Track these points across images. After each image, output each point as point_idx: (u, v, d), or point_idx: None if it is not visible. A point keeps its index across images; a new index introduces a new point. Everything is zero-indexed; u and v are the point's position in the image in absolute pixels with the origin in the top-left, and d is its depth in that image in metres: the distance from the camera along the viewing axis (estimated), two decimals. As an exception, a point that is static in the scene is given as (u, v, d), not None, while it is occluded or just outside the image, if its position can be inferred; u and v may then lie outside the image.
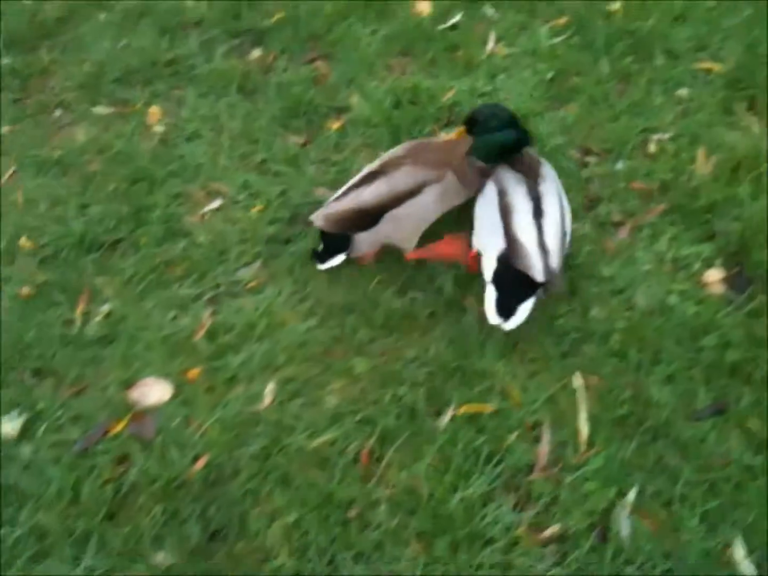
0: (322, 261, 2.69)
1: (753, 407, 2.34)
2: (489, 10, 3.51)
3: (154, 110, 3.34)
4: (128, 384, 2.55)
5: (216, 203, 3.01)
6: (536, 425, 2.36)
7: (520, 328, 2.51)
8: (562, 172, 2.82)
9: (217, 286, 2.78)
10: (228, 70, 3.40)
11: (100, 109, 3.40)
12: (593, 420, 2.35)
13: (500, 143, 2.53)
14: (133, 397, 2.53)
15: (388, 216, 2.56)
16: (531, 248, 2.36)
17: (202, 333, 2.65)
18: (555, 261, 2.37)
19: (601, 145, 2.98)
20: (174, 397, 2.51)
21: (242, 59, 3.48)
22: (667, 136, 2.97)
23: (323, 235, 2.67)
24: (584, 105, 3.08)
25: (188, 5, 3.71)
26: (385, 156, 2.65)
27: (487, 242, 2.46)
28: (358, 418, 2.40)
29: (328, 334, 2.61)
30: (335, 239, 2.65)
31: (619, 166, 2.88)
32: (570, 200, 2.60)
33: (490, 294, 2.39)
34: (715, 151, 2.90)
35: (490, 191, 2.53)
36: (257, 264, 2.82)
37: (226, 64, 3.44)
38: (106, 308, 2.75)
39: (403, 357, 2.53)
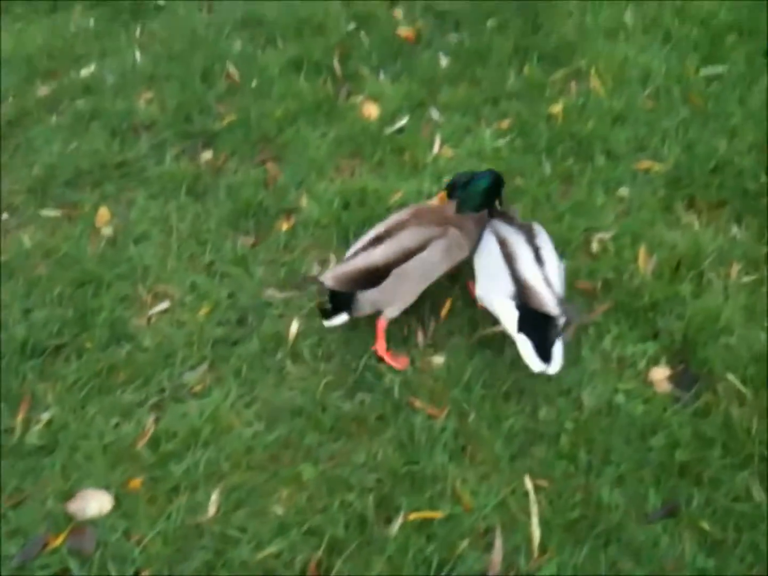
0: (328, 318, 2.72)
1: (704, 508, 2.32)
2: (435, 114, 3.62)
3: (103, 212, 3.33)
4: (68, 495, 2.45)
5: (163, 305, 2.97)
6: (488, 531, 2.32)
7: (469, 428, 2.51)
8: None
9: (162, 390, 2.72)
10: (178, 172, 3.43)
11: (48, 212, 3.38)
12: (545, 524, 2.31)
13: (481, 187, 2.73)
14: (73, 510, 2.43)
15: (396, 272, 2.63)
16: (540, 287, 2.48)
17: (144, 440, 2.58)
18: (560, 292, 2.52)
19: (545, 245, 3.04)
20: (114, 509, 2.42)
21: (193, 161, 3.51)
22: (609, 235, 3.04)
23: (331, 293, 2.71)
24: (528, 205, 3.15)
25: (140, 108, 3.76)
26: (389, 220, 2.75)
27: (495, 288, 2.57)
28: (305, 528, 2.33)
29: (275, 439, 2.55)
30: (341, 298, 2.69)
31: (563, 265, 2.93)
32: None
33: (524, 343, 2.46)
34: (656, 250, 2.97)
35: (490, 242, 2.68)
36: (203, 367, 2.77)
37: (177, 167, 3.47)
38: (46, 416, 2.66)
39: (352, 462, 2.48)
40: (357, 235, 3.10)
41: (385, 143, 3.49)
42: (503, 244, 2.63)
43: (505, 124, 3.53)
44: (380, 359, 2.72)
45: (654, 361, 2.66)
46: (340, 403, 2.62)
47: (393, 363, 2.72)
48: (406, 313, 2.84)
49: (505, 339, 2.73)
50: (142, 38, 4.15)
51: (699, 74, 3.67)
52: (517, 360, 2.63)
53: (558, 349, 2.46)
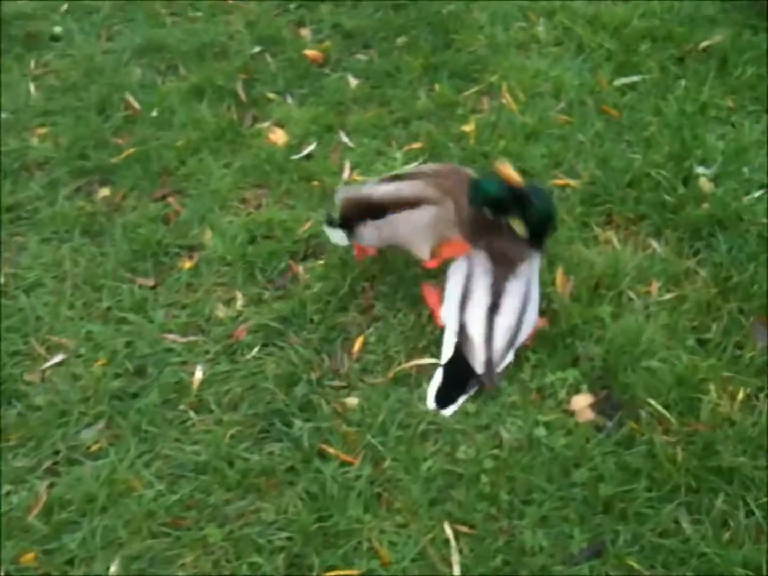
0: (331, 227, 2.82)
1: (631, 545, 2.21)
2: (344, 138, 3.47)
3: (-8, 260, 3.11)
4: (-49, 578, 2.24)
5: (57, 358, 2.76)
6: (407, 586, 2.17)
7: (385, 474, 2.36)
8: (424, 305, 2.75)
9: (56, 453, 2.52)
10: (72, 212, 3.21)
11: (-68, 263, 3.14)
12: (467, 574, 2.17)
13: (486, 191, 2.49)
14: (-43, 594, 2.22)
15: (389, 217, 2.61)
16: (477, 341, 2.45)
17: (37, 510, 2.37)
18: (498, 358, 2.46)
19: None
20: (4, 589, 2.22)
21: (88, 200, 3.30)
22: (525, 258, 2.93)
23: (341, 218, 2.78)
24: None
25: (33, 145, 3.54)
26: (422, 166, 2.82)
27: (447, 320, 2.55)
28: (210, 598, 2.15)
29: (178, 499, 2.37)
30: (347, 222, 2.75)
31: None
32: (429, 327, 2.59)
33: (437, 379, 2.50)
34: (574, 271, 2.87)
35: (459, 270, 2.58)
36: (100, 424, 2.57)
37: (71, 206, 3.25)
38: (-73, 489, 2.44)
39: (261, 520, 2.31)
40: (263, 271, 2.96)
41: (292, 171, 3.33)
42: (468, 277, 2.54)
43: (417, 145, 3.40)
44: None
45: (575, 390, 2.55)
46: (248, 456, 2.45)
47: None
48: (317, 351, 2.70)
49: (425, 373, 2.60)
50: (37, 71, 3.92)
51: (613, 85, 3.59)
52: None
53: (460, 400, 2.46)
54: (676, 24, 3.84)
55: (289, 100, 3.69)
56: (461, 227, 2.58)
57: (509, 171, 2.49)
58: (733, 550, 2.17)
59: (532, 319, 2.55)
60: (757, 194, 3.09)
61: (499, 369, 2.48)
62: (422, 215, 2.58)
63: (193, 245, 3.09)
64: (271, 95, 3.72)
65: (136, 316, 2.85)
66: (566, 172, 3.26)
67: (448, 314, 2.55)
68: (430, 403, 2.48)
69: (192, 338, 2.78)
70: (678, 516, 2.25)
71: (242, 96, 3.70)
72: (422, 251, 2.66)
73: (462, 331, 2.48)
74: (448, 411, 2.47)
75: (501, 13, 4.01)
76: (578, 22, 3.88)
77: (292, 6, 4.20)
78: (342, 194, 2.82)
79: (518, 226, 2.50)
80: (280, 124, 3.57)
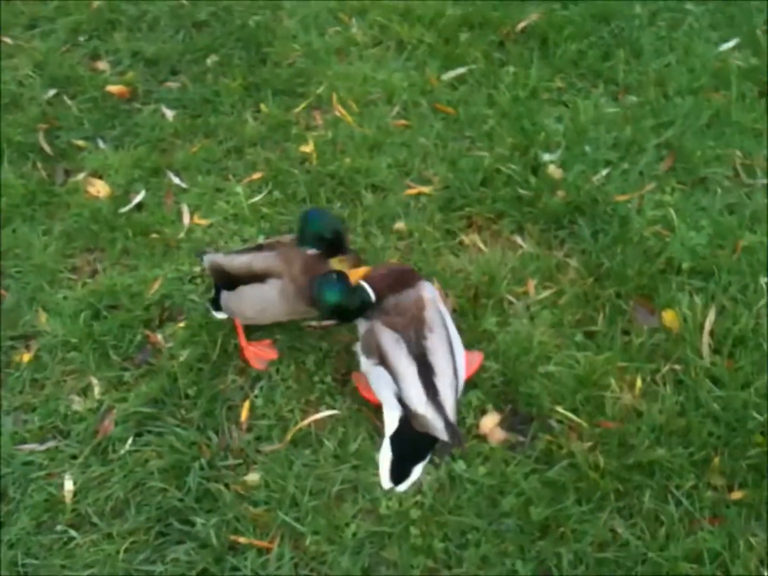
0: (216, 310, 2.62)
1: (575, 565, 2.14)
2: (174, 179, 3.16)
3: None
4: None
5: None
6: None
7: (309, 551, 2.16)
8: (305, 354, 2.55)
9: None
10: None
11: None
12: (419, 643, 2.02)
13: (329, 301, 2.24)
14: None
15: (239, 289, 2.42)
16: (428, 413, 2.19)
17: None
18: (453, 416, 2.22)
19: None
20: None
21: None
22: (398, 279, 2.78)
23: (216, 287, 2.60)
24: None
25: None
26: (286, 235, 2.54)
27: (384, 400, 2.30)
28: None
29: (78, 640, 2.05)
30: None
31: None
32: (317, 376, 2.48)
33: (386, 455, 2.26)
34: (449, 284, 2.76)
35: (372, 353, 2.29)
36: (-38, 573, 2.18)
37: None
38: None
39: (181, 641, 2.04)
40: (117, 348, 2.63)
41: (124, 226, 2.98)
42: (383, 357, 2.25)
43: (257, 175, 3.14)
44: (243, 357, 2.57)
45: (481, 411, 2.45)
46: (150, 568, 2.15)
47: (254, 358, 2.55)
48: (201, 430, 2.42)
49: (325, 427, 2.40)
50: None
51: (442, 80, 3.50)
52: (341, 449, 2.32)
53: (419, 468, 2.25)
54: (490, 8, 3.80)
55: (102, 144, 3.31)
56: (302, 300, 2.34)
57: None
58: (672, 545, 2.16)
59: (462, 359, 2.33)
60: (604, 172, 3.11)
61: (456, 425, 2.22)
62: (268, 289, 2.35)
63: (28, 333, 2.70)
64: (80, 143, 3.32)
65: (-22, 432, 2.44)
66: (417, 180, 3.14)
67: (383, 397, 2.30)
68: (386, 483, 2.24)
69: (52, 444, 2.42)
70: (613, 524, 2.21)
71: (47, 149, 3.28)
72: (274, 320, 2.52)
73: (408, 409, 2.21)
74: (404, 486, 2.24)
75: (311, 18, 3.81)
76: (393, 19, 3.75)
77: (81, 39, 3.77)
78: (208, 259, 2.54)
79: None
80: (97, 175, 3.20)
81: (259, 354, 2.57)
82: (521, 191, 3.04)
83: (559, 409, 2.41)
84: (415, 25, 3.73)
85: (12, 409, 2.51)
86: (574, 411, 2.42)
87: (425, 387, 2.20)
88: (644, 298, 2.71)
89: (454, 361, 2.28)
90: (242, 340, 2.58)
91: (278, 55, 3.64)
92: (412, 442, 2.24)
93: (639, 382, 2.48)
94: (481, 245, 2.92)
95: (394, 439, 2.26)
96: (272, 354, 2.58)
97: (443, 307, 2.40)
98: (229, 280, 2.45)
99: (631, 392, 2.47)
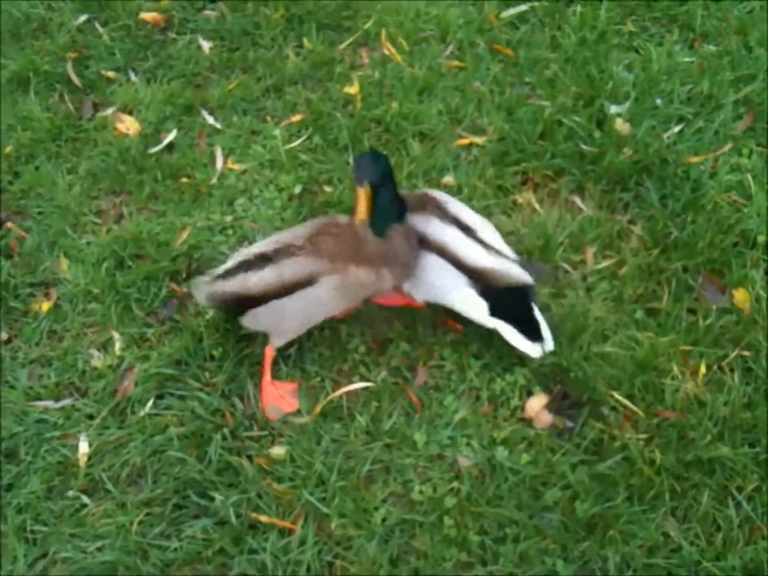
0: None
1: (622, 570, 1.96)
2: (209, 118, 2.94)
3: None
4: None
5: None
6: None
7: (334, 535, 2.01)
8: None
9: None
10: None
11: None
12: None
13: (387, 201, 2.08)
14: None
15: (273, 304, 2.15)
16: (496, 265, 2.15)
17: None
18: (514, 255, 2.21)
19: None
20: None
21: None
22: (444, 241, 2.56)
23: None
24: (344, 222, 2.60)
25: None
26: (284, 235, 2.21)
27: (445, 286, 2.21)
28: None
29: (88, 614, 1.94)
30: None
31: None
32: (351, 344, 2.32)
33: (508, 330, 2.18)
34: (500, 247, 2.53)
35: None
36: (-29, 533, 2.08)
37: None
38: None
39: (195, 622, 1.93)
40: (140, 302, 2.46)
41: (153, 168, 2.79)
42: (424, 240, 2.17)
43: (297, 117, 2.91)
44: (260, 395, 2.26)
45: (527, 391, 2.25)
46: (164, 544, 2.03)
47: (272, 404, 2.23)
48: (226, 396, 2.27)
49: (357, 400, 2.23)
50: None
51: (501, 18, 3.20)
52: (374, 426, 2.15)
53: (543, 323, 2.19)
54: (557, -62, 3.45)
55: (134, 77, 3.10)
56: (401, 267, 2.16)
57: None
58: (729, 554, 1.96)
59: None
60: (676, 129, 2.82)
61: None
62: (321, 292, 2.13)
63: (48, 281, 2.55)
64: (110, 74, 3.11)
65: (-8, 384, 2.32)
66: (469, 129, 2.88)
67: (448, 288, 2.20)
68: (534, 351, 2.17)
69: (68, 402, 2.29)
70: (665, 526, 2.02)
71: (75, 80, 3.08)
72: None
73: (476, 274, 2.15)
74: (549, 344, 2.18)
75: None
76: (451, -52, 3.43)
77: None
78: (204, 296, 2.24)
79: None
80: (127, 110, 2.99)
81: (279, 401, 2.24)
82: (584, 147, 2.76)
83: (615, 394, 2.20)
84: (475, -45, 3.41)
85: (28, 362, 2.38)
86: (630, 398, 2.21)
87: (475, 242, 2.17)
88: (714, 274, 2.46)
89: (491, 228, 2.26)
90: (267, 373, 2.27)
91: (323, -15, 3.36)
92: (511, 304, 2.17)
93: (703, 369, 2.26)
94: (537, 205, 2.68)
95: (496, 312, 2.17)
96: (292, 406, 2.24)
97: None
98: (248, 305, 2.19)
99: (694, 379, 2.25)
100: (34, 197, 2.75)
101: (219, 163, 2.81)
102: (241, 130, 2.90)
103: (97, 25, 3.27)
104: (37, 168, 2.82)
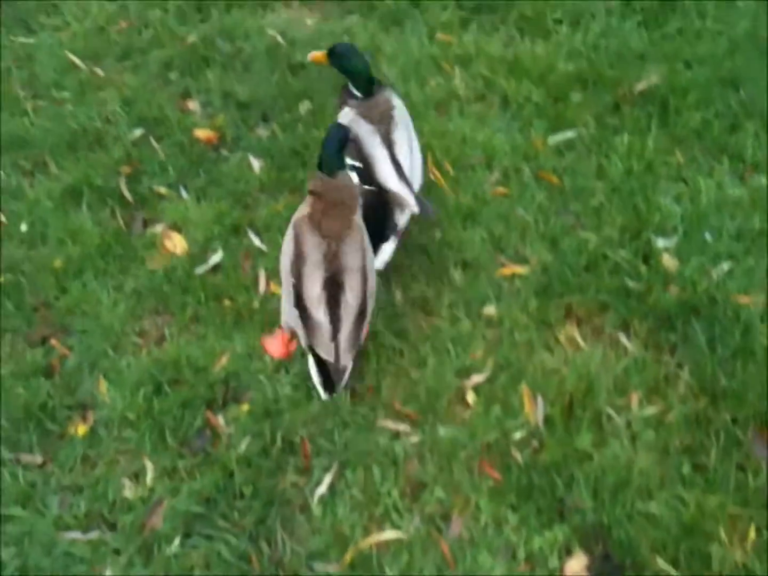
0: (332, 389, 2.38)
1: None
2: (255, 239, 2.97)
3: None
4: None
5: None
6: None
7: None
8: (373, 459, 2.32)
9: None
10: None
11: None
12: None
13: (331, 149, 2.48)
14: None
15: (370, 293, 2.40)
16: (400, 190, 2.62)
17: None
18: (419, 183, 2.74)
19: (411, 407, 2.47)
20: None
21: (-51, 352, 2.72)
22: (483, 377, 2.51)
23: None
24: (383, 356, 2.58)
25: None
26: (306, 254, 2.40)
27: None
28: None
29: None
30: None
31: (441, 433, 2.38)
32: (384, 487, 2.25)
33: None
34: (540, 387, 2.47)
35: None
36: None
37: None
38: None
39: None
40: (175, 431, 2.44)
41: (197, 289, 2.81)
42: (359, 144, 2.67)
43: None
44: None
45: (567, 550, 2.16)
46: None
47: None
48: (253, 539, 2.22)
49: (388, 551, 2.16)
50: None
51: (548, 144, 3.21)
52: None
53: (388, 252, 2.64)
54: (606, 65, 3.48)
55: (184, 194, 3.16)
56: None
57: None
58: None
59: (419, 159, 2.81)
60: (725, 266, 2.76)
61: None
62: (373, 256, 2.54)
63: (86, 403, 2.55)
64: (162, 190, 3.17)
65: (24, 511, 2.30)
66: (513, 257, 2.87)
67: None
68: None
69: (96, 534, 2.26)
70: None
71: (127, 195, 3.15)
72: None
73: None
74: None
75: (412, 65, 3.57)
76: (498, 72, 3.47)
77: (173, 75, 3.64)
78: (347, 357, 2.33)
79: None
80: (176, 227, 3.04)
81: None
82: (629, 282, 2.72)
83: (659, 560, 2.10)
84: (522, 80, 3.44)
85: (60, 489, 2.36)
86: (674, 563, 2.10)
87: (395, 167, 2.63)
88: (765, 428, 2.36)
89: (413, 152, 2.76)
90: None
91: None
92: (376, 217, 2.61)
93: (753, 534, 2.14)
94: (580, 341, 2.63)
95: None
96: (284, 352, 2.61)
97: (407, 114, 2.85)
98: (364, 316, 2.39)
99: (741, 546, 2.13)
100: (79, 314, 2.78)
101: (262, 286, 2.82)
102: (284, 251, 2.92)
103: (152, 139, 3.36)
104: (84, 284, 2.86)
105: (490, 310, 2.71)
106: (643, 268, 2.76)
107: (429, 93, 3.46)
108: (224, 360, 2.61)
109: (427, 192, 3.06)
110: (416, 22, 3.78)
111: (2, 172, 3.25)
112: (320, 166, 2.46)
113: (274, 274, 2.86)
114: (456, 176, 3.11)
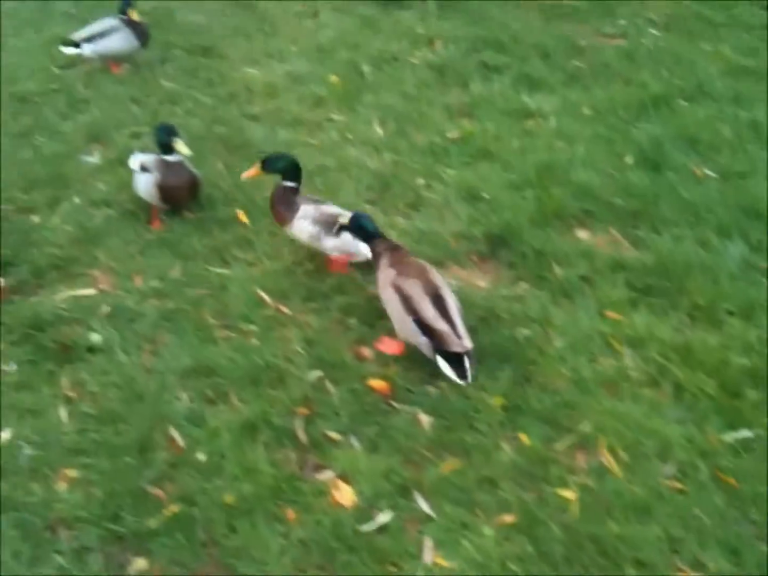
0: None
1: None
2: (423, 503, 2.98)
3: None
4: None
5: None
6: None
7: None
8: None
9: None
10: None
11: None
12: None
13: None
14: None
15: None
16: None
17: None
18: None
19: None
20: None
21: (121, 571, 2.77)
22: None
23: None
24: None
25: (60, 494, 3.03)
26: (418, 288, 3.46)
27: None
28: None
29: None
30: None
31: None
32: None
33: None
34: None
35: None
36: None
37: (99, 584, 2.72)
38: None
39: None
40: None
41: (362, 549, 2.81)
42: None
43: (509, 518, 2.91)
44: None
45: None
46: None
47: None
48: None
49: None
50: (70, 392, 3.49)
51: (722, 441, 3.17)
52: None
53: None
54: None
55: (355, 443, 3.24)
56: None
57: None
58: None
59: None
60: None
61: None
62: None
63: None
64: (334, 435, 3.28)
65: None
66: (690, 562, 2.76)
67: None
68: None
69: None
70: None
71: (302, 437, 3.27)
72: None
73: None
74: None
75: (582, 341, 3.67)
76: (671, 358, 3.52)
77: (352, 321, 3.86)
78: (468, 342, 3.36)
79: None
80: (345, 477, 3.10)
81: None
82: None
83: None
84: (696, 370, 3.47)
85: None
86: None
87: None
88: None
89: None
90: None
91: (544, 377, 3.50)
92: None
93: None
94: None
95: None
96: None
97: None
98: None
99: None
100: (245, 558, 2.81)
101: (428, 557, 2.79)
102: (452, 521, 2.90)
103: (328, 383, 3.52)
104: (253, 525, 2.91)
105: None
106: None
107: (599, 370, 3.52)
108: None
109: (598, 476, 3.04)
110: (586, 297, 3.93)
111: (185, 396, 3.46)
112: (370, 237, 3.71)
113: (439, 544, 2.84)
114: (628, 463, 3.08)
